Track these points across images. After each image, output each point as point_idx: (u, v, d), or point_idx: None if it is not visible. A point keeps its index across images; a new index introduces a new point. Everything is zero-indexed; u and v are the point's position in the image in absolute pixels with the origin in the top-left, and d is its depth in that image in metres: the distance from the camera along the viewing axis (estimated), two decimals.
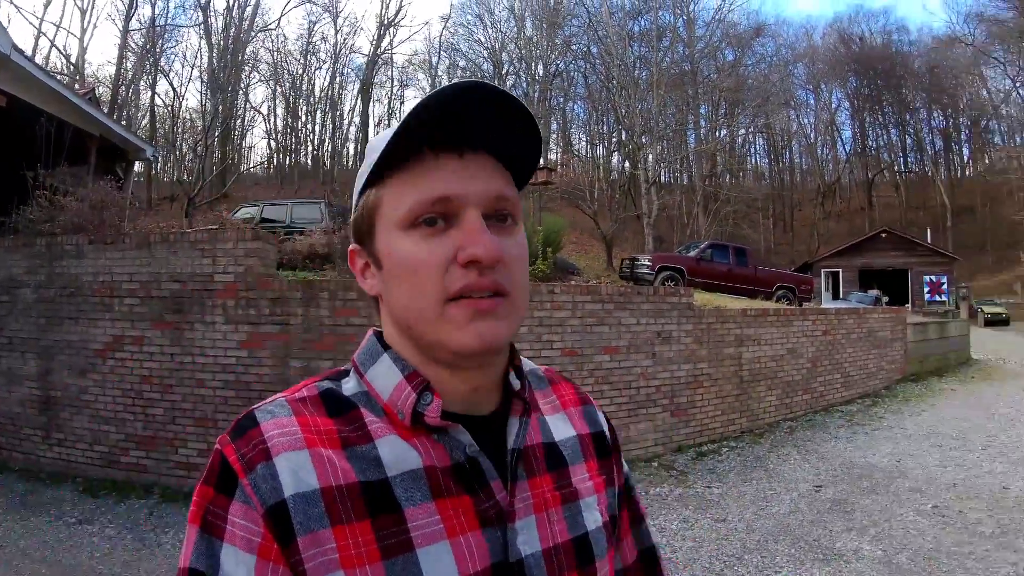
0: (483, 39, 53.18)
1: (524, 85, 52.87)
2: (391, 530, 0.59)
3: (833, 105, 62.77)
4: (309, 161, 54.24)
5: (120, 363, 5.75)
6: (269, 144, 54.00)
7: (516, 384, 0.71)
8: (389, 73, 56.96)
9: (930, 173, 58.72)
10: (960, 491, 6.08)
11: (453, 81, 0.62)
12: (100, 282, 5.85)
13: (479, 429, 0.66)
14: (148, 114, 43.01)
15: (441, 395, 0.65)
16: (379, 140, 0.66)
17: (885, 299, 24.42)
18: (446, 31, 54.46)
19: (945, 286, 34.06)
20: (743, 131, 51.28)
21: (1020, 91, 48.52)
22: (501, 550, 0.63)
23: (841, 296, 30.35)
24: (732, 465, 6.80)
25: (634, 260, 16.51)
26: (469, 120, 0.62)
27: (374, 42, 52.26)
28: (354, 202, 0.70)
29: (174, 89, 44.96)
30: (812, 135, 64.06)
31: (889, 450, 7.50)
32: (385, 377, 0.67)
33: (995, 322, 30.58)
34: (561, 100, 55.45)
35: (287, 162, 52.56)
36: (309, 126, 54.52)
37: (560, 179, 24.76)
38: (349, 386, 0.68)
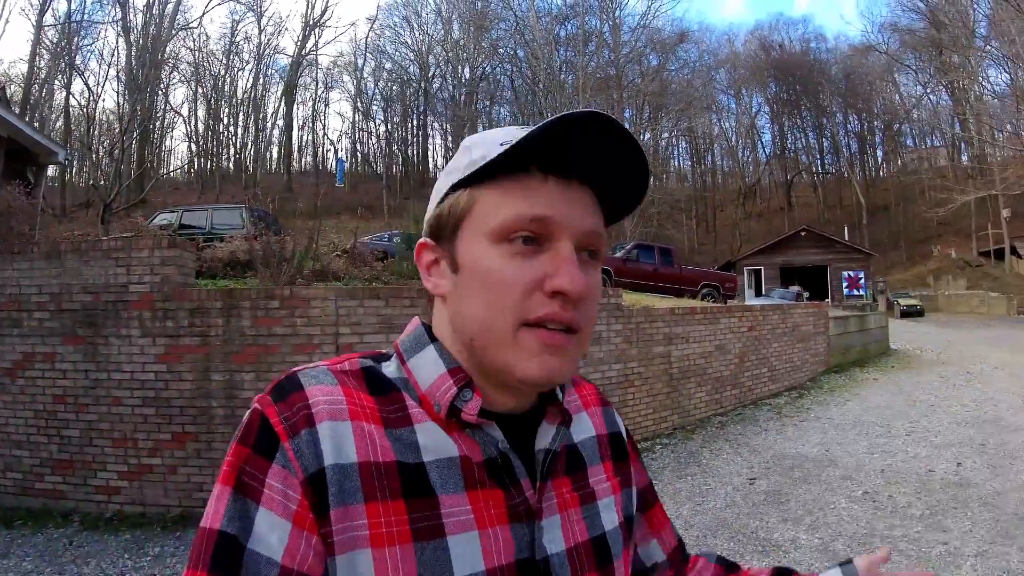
0: (410, 41, 53.02)
1: (451, 88, 52.94)
2: (424, 514, 0.59)
3: (753, 109, 65.31)
4: (231, 165, 52.70)
5: (31, 382, 5.34)
6: (189, 147, 52.00)
7: (560, 396, 0.72)
8: (314, 75, 56.21)
9: (846, 174, 61.57)
10: (888, 476, 6.31)
11: (580, 108, 0.59)
12: (7, 295, 5.43)
13: (509, 427, 0.66)
14: (63, 115, 41.09)
15: (481, 392, 0.64)
16: (483, 140, 0.65)
17: (806, 295, 25.39)
18: (372, 33, 54.15)
19: (863, 281, 35.65)
20: (666, 134, 52.60)
21: (930, 96, 51.37)
22: (528, 547, 0.63)
23: (764, 293, 31.46)
24: (666, 462, 6.87)
25: None
26: (583, 149, 0.61)
27: (299, 43, 51.45)
28: (438, 196, 0.68)
29: (90, 89, 42.93)
30: (733, 138, 66.49)
31: (818, 440, 7.73)
32: (428, 367, 0.66)
33: (910, 314, 32.02)
34: (487, 104, 55.74)
35: (208, 166, 50.81)
36: (231, 129, 53.04)
37: None
38: (390, 370, 0.67)
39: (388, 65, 54.24)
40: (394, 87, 55.14)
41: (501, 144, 0.61)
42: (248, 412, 0.60)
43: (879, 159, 64.94)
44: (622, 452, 0.82)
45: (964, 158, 51.37)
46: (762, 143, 67.02)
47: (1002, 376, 12.75)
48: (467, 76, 50.17)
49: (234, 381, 5.12)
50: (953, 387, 11.40)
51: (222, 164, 51.58)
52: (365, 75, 55.05)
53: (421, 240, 0.69)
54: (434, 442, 0.62)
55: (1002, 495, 5.73)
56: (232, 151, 53.29)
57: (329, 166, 59.54)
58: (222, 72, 50.37)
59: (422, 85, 53.63)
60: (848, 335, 14.16)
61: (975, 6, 35.48)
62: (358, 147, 58.47)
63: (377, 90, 56.01)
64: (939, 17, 39.26)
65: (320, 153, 61.67)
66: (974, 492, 5.81)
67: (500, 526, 0.62)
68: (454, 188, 0.65)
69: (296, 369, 0.63)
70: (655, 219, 41.03)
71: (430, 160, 65.36)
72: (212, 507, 0.56)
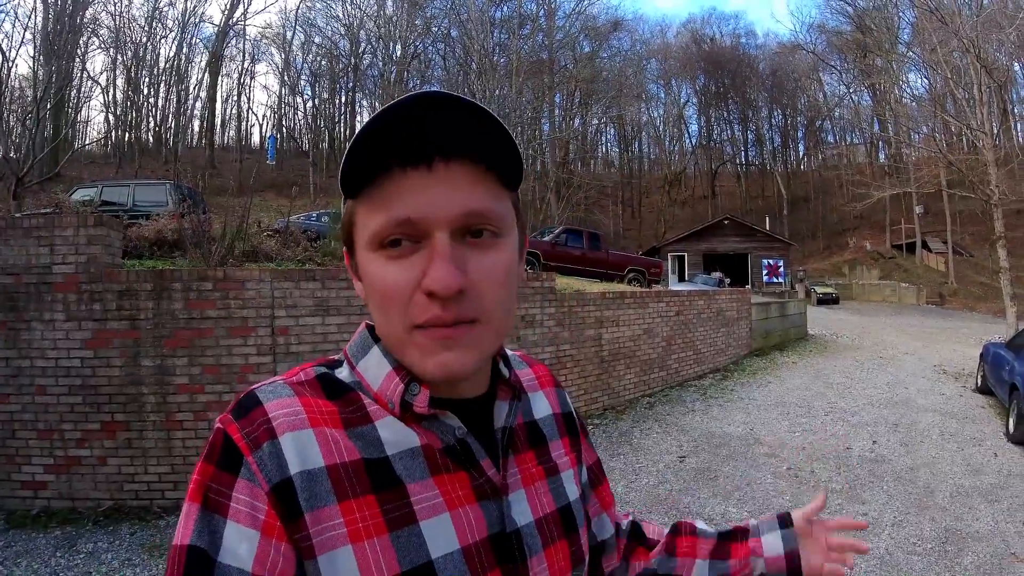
0: (341, 15, 51.51)
1: (380, 64, 51.89)
2: (395, 504, 0.61)
3: (682, 100, 66.30)
4: (151, 138, 50.23)
5: None
6: (107, 118, 48.67)
7: (506, 373, 0.74)
8: (241, 46, 54.03)
9: (769, 166, 63.74)
10: (810, 453, 6.67)
11: (406, 95, 0.58)
12: None
13: (466, 411, 0.68)
14: None
15: (428, 385, 0.65)
16: (351, 145, 0.63)
17: (727, 281, 26.22)
18: (303, 5, 52.12)
19: (782, 269, 37.05)
20: (596, 120, 52.99)
21: (853, 96, 53.20)
22: (498, 521, 0.67)
23: (687, 278, 32.25)
24: (599, 441, 7.02)
25: None
26: (436, 129, 0.59)
27: (226, 11, 48.99)
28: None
29: (2, 52, 40.08)
30: (661, 127, 67.45)
31: (743, 420, 8.05)
32: (375, 368, 0.68)
33: (826, 301, 33.41)
34: (418, 82, 54.98)
35: (127, 139, 48.21)
36: (152, 100, 50.44)
37: None
38: (343, 374, 0.69)
39: (318, 39, 52.72)
40: (323, 62, 53.65)
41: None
42: (212, 432, 0.61)
43: (801, 153, 67.21)
44: (575, 430, 0.86)
45: (882, 156, 53.66)
46: (689, 133, 68.39)
47: (912, 361, 13.56)
48: (398, 53, 49.24)
49: (166, 367, 4.94)
50: (867, 371, 12.06)
51: (141, 137, 49.08)
52: (294, 48, 53.38)
53: (344, 249, 0.70)
54: (395, 435, 0.64)
55: (914, 470, 6.15)
56: (152, 123, 50.78)
57: (253, 142, 57.80)
58: (144, 40, 47.76)
59: (352, 61, 52.37)
60: (769, 320, 14.68)
61: (900, 14, 36.95)
62: (284, 123, 56.71)
63: (306, 64, 54.45)
64: (866, 21, 40.68)
65: (244, 128, 59.74)
66: (888, 467, 6.21)
67: (469, 505, 0.65)
68: (345, 199, 0.66)
69: (254, 387, 0.64)
70: (583, 204, 41.44)
71: None
72: (182, 524, 0.58)
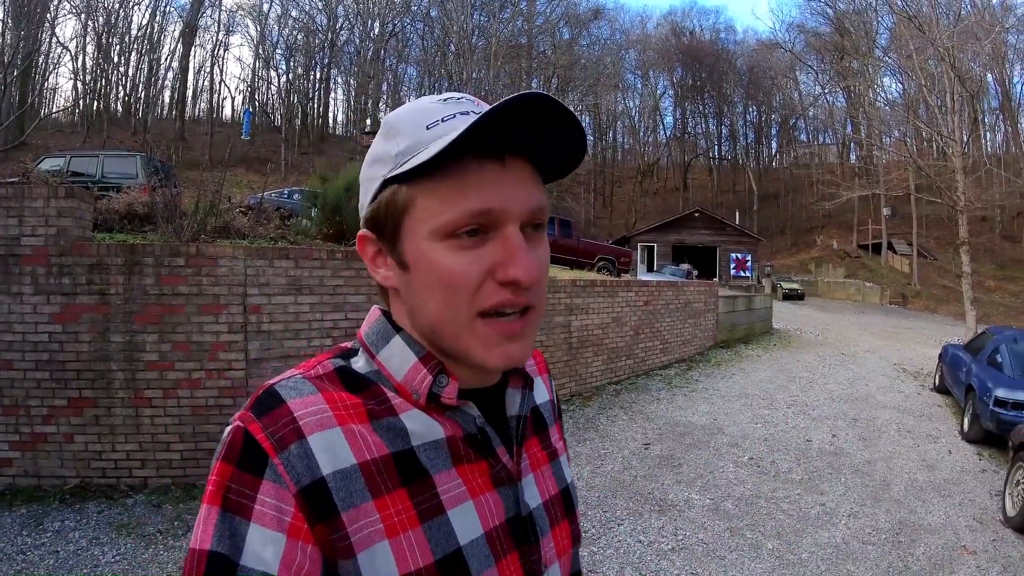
0: None
1: (357, 41, 51.23)
2: (424, 495, 0.63)
3: (659, 91, 66.58)
4: (119, 108, 49.03)
5: None
6: (76, 86, 47.18)
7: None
8: (216, 16, 52.99)
9: (741, 161, 64.31)
10: (771, 444, 6.84)
11: (514, 95, 0.57)
12: None
13: (480, 400, 0.69)
14: None
15: (457, 376, 0.67)
16: (407, 123, 0.64)
17: (695, 273, 26.51)
18: None
19: (749, 263, 37.55)
20: (572, 108, 53.08)
21: (827, 97, 53.93)
22: (514, 505, 0.70)
23: (656, 268, 32.57)
24: (566, 427, 7.08)
25: None
26: (515, 125, 0.60)
27: None
28: (371, 188, 0.67)
29: None
30: (636, 117, 67.77)
31: (707, 410, 8.21)
32: (399, 358, 0.68)
33: (792, 297, 33.88)
34: (394, 61, 54.36)
35: (95, 108, 46.98)
36: (122, 69, 49.18)
37: None
38: (359, 364, 0.68)
39: (295, 13, 51.84)
40: (299, 36, 52.79)
41: (428, 128, 0.62)
42: (229, 430, 0.60)
43: (773, 150, 68.06)
44: (559, 416, 0.90)
45: (853, 157, 54.64)
46: (663, 125, 68.83)
47: (873, 359, 13.87)
48: (376, 31, 48.66)
49: (135, 343, 4.86)
50: (829, 366, 12.33)
51: (110, 106, 47.84)
52: (270, 21, 52.46)
53: (361, 232, 0.70)
54: (420, 427, 0.65)
55: (871, 463, 6.35)
56: (122, 93, 49.52)
57: (225, 115, 56.74)
58: (116, 6, 46.47)
59: (328, 36, 51.63)
60: (735, 313, 14.90)
61: (879, 19, 37.43)
62: (256, 97, 55.74)
63: (281, 38, 53.54)
64: (845, 24, 41.20)
65: (216, 100, 58.63)
66: (847, 460, 6.41)
67: (489, 492, 0.68)
68: (388, 182, 0.65)
69: (272, 382, 0.63)
70: (555, 191, 41.50)
71: (331, 115, 63.37)
72: (200, 528, 0.56)
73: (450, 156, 0.59)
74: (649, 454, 6.34)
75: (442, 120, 0.62)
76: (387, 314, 0.71)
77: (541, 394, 0.85)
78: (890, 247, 46.67)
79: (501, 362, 0.64)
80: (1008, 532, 4.96)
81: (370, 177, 0.67)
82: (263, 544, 0.55)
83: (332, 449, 0.59)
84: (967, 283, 17.38)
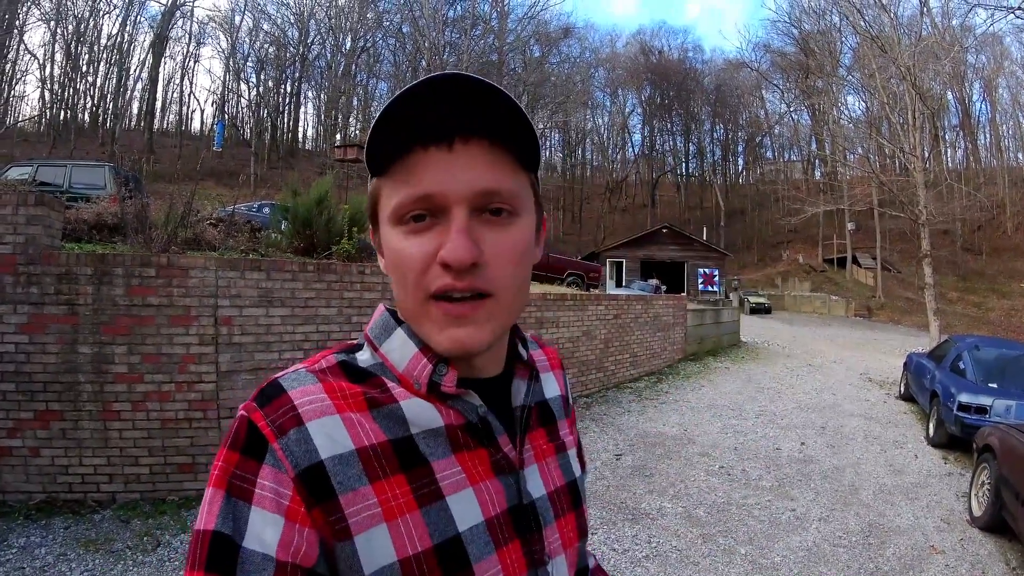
0: (292, 3, 50.55)
1: (328, 56, 51.11)
2: (423, 481, 0.64)
3: (627, 109, 67.48)
4: (87, 118, 48.22)
5: None
6: (43, 95, 46.31)
7: (524, 354, 0.78)
8: (187, 27, 52.54)
9: (708, 178, 65.28)
10: (741, 453, 6.92)
11: (423, 77, 0.60)
12: None
13: (485, 390, 0.71)
14: None
15: (456, 366, 0.68)
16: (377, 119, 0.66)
17: (663, 288, 26.78)
18: None
19: (717, 278, 38.02)
20: (541, 125, 53.42)
21: (793, 115, 55.07)
22: (516, 494, 0.71)
23: (624, 284, 32.89)
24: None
25: None
26: (456, 110, 0.61)
27: None
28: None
29: None
30: (605, 135, 68.58)
31: (677, 420, 8.27)
32: (400, 350, 0.70)
33: (759, 310, 34.35)
34: (365, 76, 54.32)
35: (62, 117, 46.14)
36: (91, 78, 48.41)
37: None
38: (364, 358, 0.70)
39: (266, 26, 51.61)
40: (271, 49, 52.52)
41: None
42: (235, 419, 0.62)
43: (740, 167, 69.53)
44: (571, 412, 0.90)
45: (817, 174, 55.86)
46: (632, 142, 69.82)
47: (839, 369, 14.13)
48: (348, 46, 48.60)
49: (104, 354, 4.76)
50: (797, 377, 12.53)
51: (78, 116, 47.03)
52: (241, 33, 52.13)
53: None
54: (419, 415, 0.66)
55: (840, 470, 6.47)
56: (90, 103, 48.73)
57: (194, 127, 56.16)
58: (86, 14, 45.78)
59: (300, 50, 51.47)
60: (704, 327, 15.08)
61: (843, 39, 38.34)
62: (226, 109, 55.23)
63: (252, 51, 53.21)
64: (810, 44, 42.11)
65: (185, 112, 58.06)
66: (816, 467, 6.51)
67: (489, 480, 0.68)
68: (371, 176, 0.68)
69: (276, 375, 0.65)
70: None
71: (301, 129, 63.05)
72: (205, 510, 0.59)
73: (393, 148, 0.63)
74: (621, 464, 6.37)
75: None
76: (392, 311, 0.73)
77: (552, 388, 0.86)
78: (855, 261, 47.65)
79: (448, 344, 0.64)
80: (975, 531, 5.08)
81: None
82: (263, 526, 0.57)
83: (330, 435, 0.61)
84: (930, 294, 17.81)
